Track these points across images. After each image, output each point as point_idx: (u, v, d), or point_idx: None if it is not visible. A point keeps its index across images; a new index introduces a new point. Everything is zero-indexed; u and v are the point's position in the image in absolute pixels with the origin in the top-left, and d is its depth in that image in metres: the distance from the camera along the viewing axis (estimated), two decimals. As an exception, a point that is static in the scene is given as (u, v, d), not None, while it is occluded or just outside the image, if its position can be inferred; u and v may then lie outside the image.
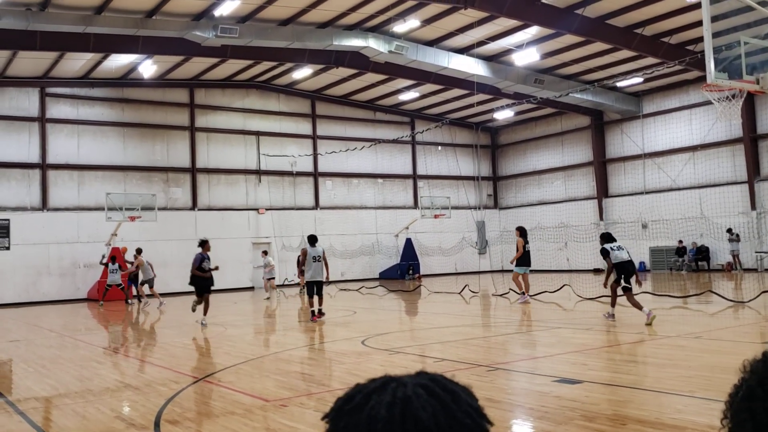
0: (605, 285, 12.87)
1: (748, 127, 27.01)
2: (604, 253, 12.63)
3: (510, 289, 19.52)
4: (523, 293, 17.49)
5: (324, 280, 14.76)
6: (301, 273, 18.07)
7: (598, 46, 25.32)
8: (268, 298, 23.26)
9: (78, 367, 9.96)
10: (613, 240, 12.89)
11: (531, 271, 18.06)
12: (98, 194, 27.05)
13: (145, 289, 22.51)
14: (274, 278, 24.09)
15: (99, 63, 25.82)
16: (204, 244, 14.93)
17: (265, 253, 24.80)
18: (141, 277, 22.30)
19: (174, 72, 28.12)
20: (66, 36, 21.74)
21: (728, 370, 7.00)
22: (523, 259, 17.68)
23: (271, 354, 10.53)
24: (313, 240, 15.01)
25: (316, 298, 14.67)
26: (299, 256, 19.59)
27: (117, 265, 21.83)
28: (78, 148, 27.66)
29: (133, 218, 25.90)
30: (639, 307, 11.97)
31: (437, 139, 36.16)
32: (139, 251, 22.42)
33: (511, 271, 18.29)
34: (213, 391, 7.76)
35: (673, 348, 9.48)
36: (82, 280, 26.86)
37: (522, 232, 17.94)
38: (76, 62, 25.51)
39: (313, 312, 14.53)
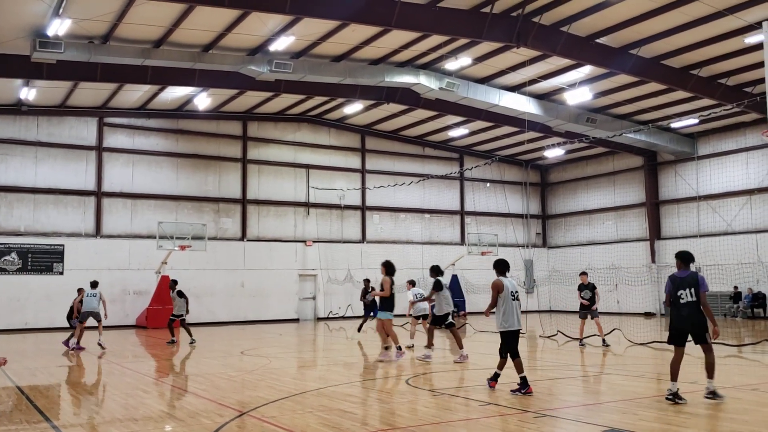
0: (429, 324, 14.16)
1: (808, 171, 26.15)
2: (437, 287, 12.96)
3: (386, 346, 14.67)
4: (405, 346, 14.50)
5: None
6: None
7: (653, 86, 24.99)
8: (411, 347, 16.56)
9: (124, 395, 10.06)
10: (441, 273, 14.00)
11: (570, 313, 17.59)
12: (150, 222, 27.69)
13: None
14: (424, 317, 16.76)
15: (155, 95, 26.64)
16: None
17: (413, 283, 18.29)
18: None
19: (228, 105, 28.80)
20: (125, 68, 22.53)
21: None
22: (390, 302, 13.99)
23: (314, 389, 10.47)
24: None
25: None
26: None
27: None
28: (132, 176, 28.43)
29: (183, 247, 26.36)
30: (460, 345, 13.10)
31: (486, 175, 36.04)
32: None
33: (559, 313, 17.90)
34: (256, 426, 7.72)
35: (729, 400, 9.06)
36: (132, 306, 27.37)
37: (389, 268, 14.01)
38: (134, 93, 26.37)
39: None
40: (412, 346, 16.30)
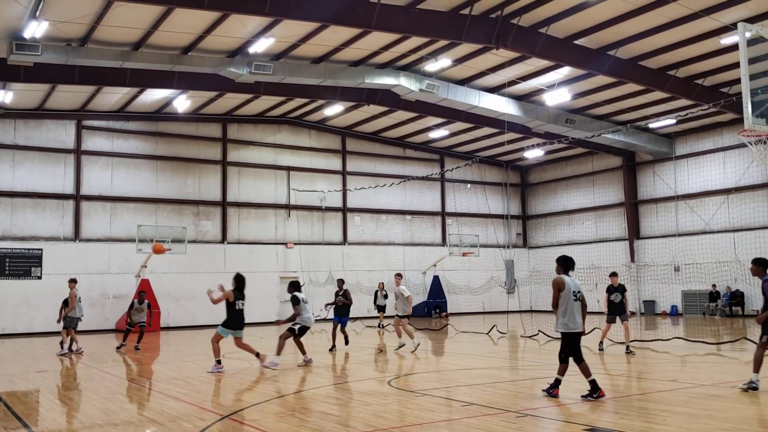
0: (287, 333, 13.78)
1: (784, 170, 26.55)
2: (295, 301, 13.08)
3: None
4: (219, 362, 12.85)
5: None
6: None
7: (631, 87, 25.23)
8: (401, 346, 16.46)
9: (104, 400, 9.96)
10: (299, 289, 13.70)
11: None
12: (129, 226, 27.44)
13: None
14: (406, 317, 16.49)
15: (134, 97, 26.42)
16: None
17: (400, 276, 17.51)
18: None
19: (207, 107, 28.63)
20: (104, 71, 22.31)
21: (766, 423, 6.77)
22: (232, 318, 12.96)
23: (295, 392, 10.43)
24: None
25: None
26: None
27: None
28: (111, 180, 28.17)
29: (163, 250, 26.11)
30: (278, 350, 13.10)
31: (467, 176, 36.16)
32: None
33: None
34: (237, 430, 7.68)
35: (708, 398, 9.18)
36: (111, 311, 27.09)
37: (239, 282, 13.33)
38: (113, 96, 26.13)
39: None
40: (403, 345, 16.41)
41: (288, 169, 32.19)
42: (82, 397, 10.57)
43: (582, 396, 9.08)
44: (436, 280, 33.84)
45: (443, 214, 36.47)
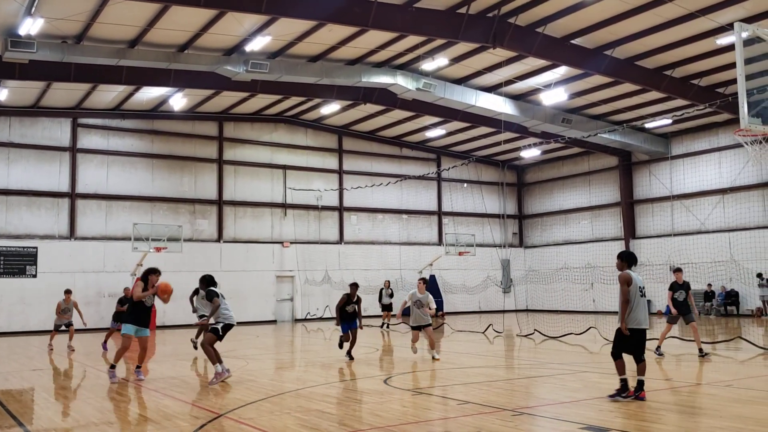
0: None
1: (779, 170, 26.62)
2: (211, 295, 11.22)
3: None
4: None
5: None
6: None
7: (627, 87, 25.26)
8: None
9: (99, 398, 9.93)
10: (214, 284, 11.79)
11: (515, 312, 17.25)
12: (125, 224, 27.40)
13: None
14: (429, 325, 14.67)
15: (130, 95, 26.36)
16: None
17: (425, 282, 14.96)
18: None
19: (204, 105, 28.59)
20: (99, 68, 22.28)
21: (761, 421, 6.80)
22: (135, 313, 11.59)
23: (292, 391, 10.42)
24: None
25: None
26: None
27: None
28: (107, 178, 28.11)
29: (159, 249, 26.12)
30: (213, 361, 11.04)
31: (463, 176, 36.18)
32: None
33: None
34: (233, 428, 7.66)
35: (703, 396, 9.20)
36: (107, 309, 26.96)
37: (149, 272, 12.04)
38: (108, 94, 26.07)
39: None
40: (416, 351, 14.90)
41: (284, 167, 32.17)
42: (78, 395, 10.53)
43: (609, 396, 8.94)
44: (432, 279, 33.79)
45: (440, 214, 36.47)
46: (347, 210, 33.72)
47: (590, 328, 19.79)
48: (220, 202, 30.37)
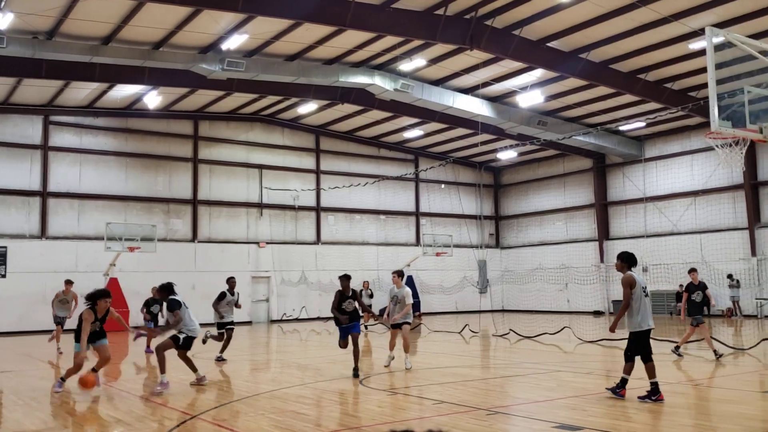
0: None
1: (749, 173, 27.10)
2: (174, 306, 10.42)
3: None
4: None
5: None
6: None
7: (602, 90, 25.53)
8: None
9: (71, 401, 9.78)
10: (173, 292, 10.74)
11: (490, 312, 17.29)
12: (98, 224, 27.03)
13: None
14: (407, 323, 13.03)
15: (104, 93, 26.03)
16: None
17: (401, 275, 13.31)
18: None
19: (179, 104, 28.33)
20: (72, 65, 21.97)
21: (729, 419, 6.90)
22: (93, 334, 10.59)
23: (267, 392, 10.36)
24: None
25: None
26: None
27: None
28: (79, 176, 27.72)
29: (132, 249, 25.81)
30: (161, 369, 10.43)
31: (441, 177, 36.28)
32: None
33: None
34: (206, 429, 7.59)
35: (674, 395, 9.31)
36: (79, 310, 26.58)
37: (99, 296, 10.54)
38: (81, 91, 25.72)
39: None
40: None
41: (260, 167, 31.99)
42: (48, 397, 10.37)
43: (639, 397, 8.82)
44: (409, 279, 33.82)
45: (417, 214, 36.54)
46: (324, 210, 33.63)
47: (564, 327, 19.96)
48: (194, 202, 30.11)
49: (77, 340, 10.40)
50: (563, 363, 13.69)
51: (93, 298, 10.52)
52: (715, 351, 13.53)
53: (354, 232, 34.34)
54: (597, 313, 31.73)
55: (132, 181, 28.81)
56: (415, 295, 33.55)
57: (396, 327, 12.97)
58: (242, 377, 12.52)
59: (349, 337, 11.89)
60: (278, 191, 32.06)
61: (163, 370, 10.48)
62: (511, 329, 20.33)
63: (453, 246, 34.02)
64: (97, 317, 10.51)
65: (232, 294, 14.75)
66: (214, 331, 14.76)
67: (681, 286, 29.34)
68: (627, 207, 32.75)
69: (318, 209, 33.40)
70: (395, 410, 8.62)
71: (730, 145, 12.41)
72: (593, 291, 31.94)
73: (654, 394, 8.73)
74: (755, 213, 27.65)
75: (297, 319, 30.90)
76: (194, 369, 10.99)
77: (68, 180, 27.45)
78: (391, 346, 13.21)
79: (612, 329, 9.17)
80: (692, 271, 14.39)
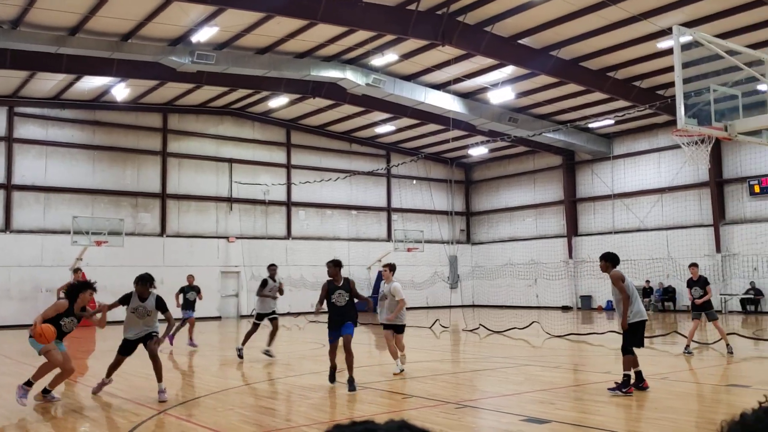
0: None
1: (714, 171, 27.59)
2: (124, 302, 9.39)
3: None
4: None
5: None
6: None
7: (572, 87, 25.78)
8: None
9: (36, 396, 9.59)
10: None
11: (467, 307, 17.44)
12: (64, 217, 26.56)
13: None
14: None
15: (71, 84, 25.55)
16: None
17: (392, 269, 11.69)
18: None
19: (148, 96, 27.93)
20: (38, 55, 21.51)
21: (693, 413, 7.01)
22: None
23: (236, 387, 10.28)
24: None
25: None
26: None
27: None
28: (45, 169, 27.19)
29: (99, 243, 25.43)
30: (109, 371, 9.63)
31: (412, 173, 36.34)
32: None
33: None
34: (173, 425, 7.52)
35: (639, 388, 9.45)
36: (44, 304, 26.07)
37: (81, 288, 9.24)
38: (48, 82, 25.21)
39: None
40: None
41: (230, 161, 31.70)
42: (12, 393, 10.16)
43: (609, 388, 9.09)
44: (380, 275, 33.86)
45: (389, 210, 36.56)
46: (295, 205, 33.47)
47: (533, 322, 20.16)
48: (163, 196, 29.73)
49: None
50: (532, 357, 13.82)
51: (74, 289, 9.17)
52: (727, 345, 13.41)
53: (325, 227, 34.24)
54: (565, 309, 32.10)
55: (99, 175, 28.35)
56: (386, 290, 33.58)
57: (388, 328, 11.40)
58: (211, 372, 12.42)
59: (341, 340, 9.76)
60: (248, 185, 31.82)
61: (110, 373, 9.62)
62: (480, 324, 20.47)
63: (424, 241, 34.12)
64: (72, 311, 9.09)
65: (274, 280, 14.33)
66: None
67: (647, 281, 29.86)
68: (595, 204, 33.15)
69: (289, 204, 33.22)
70: (364, 405, 8.62)
71: (696, 143, 12.63)
72: (562, 286, 32.30)
73: (625, 386, 8.89)
74: (720, 210, 28.18)
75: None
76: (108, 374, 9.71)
77: (34, 173, 26.91)
78: (393, 353, 11.36)
79: (623, 326, 9.26)
80: (692, 266, 14.23)
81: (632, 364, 9.11)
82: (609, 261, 9.53)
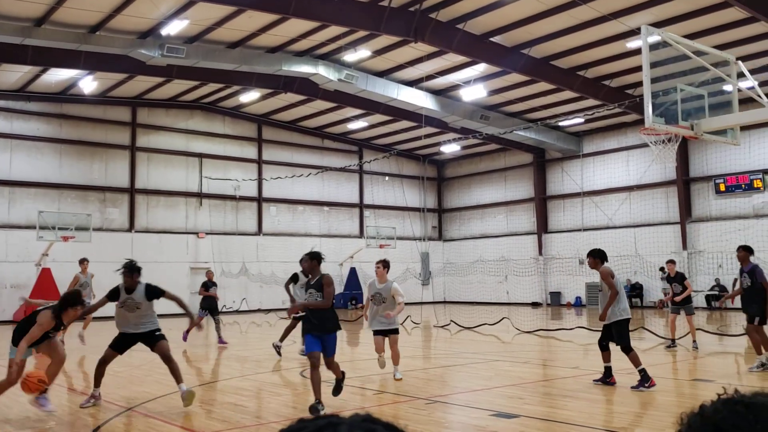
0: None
1: (681, 170, 28.06)
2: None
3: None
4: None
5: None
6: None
7: (542, 86, 25.99)
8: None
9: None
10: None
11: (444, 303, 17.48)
12: (30, 212, 26.05)
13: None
14: None
15: (37, 76, 25.06)
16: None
17: (386, 266, 10.95)
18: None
19: (116, 89, 27.51)
20: (2, 46, 21.05)
21: (659, 407, 7.12)
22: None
23: (204, 384, 10.19)
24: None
25: None
26: None
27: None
28: (10, 163, 26.64)
29: (66, 238, 25.00)
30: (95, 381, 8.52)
31: (385, 169, 36.34)
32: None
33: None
34: (141, 422, 7.42)
35: (607, 384, 9.58)
36: (8, 301, 25.64)
37: (73, 303, 8.14)
38: (12, 74, 24.69)
39: None
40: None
41: (200, 156, 31.39)
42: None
43: (594, 380, 9.50)
44: (352, 271, 33.88)
45: (361, 206, 36.53)
46: (266, 201, 33.26)
47: (503, 318, 20.32)
48: (132, 191, 29.33)
49: (15, 343, 8.03)
50: (501, 353, 13.93)
51: (65, 303, 8.08)
52: (694, 341, 13.58)
53: (296, 223, 34.09)
54: (535, 305, 32.41)
55: (66, 169, 27.87)
56: (358, 287, 33.61)
57: (379, 333, 10.16)
58: (180, 369, 12.27)
59: (319, 353, 7.84)
60: (219, 181, 31.54)
61: (97, 383, 8.56)
62: (452, 320, 20.57)
63: (396, 238, 34.16)
64: (59, 326, 8.16)
65: (306, 275, 13.51)
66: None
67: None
68: (565, 201, 33.50)
69: (260, 200, 33.01)
70: (336, 401, 8.60)
71: (664, 142, 12.81)
72: (531, 283, 32.62)
73: (645, 381, 8.96)
74: (687, 208, 28.68)
75: (237, 311, 30.52)
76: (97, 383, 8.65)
77: (-3, 166, 26.36)
78: (378, 350, 10.24)
79: (602, 318, 9.34)
80: (669, 262, 14.39)
81: (636, 359, 9.14)
82: (598, 257, 9.63)
